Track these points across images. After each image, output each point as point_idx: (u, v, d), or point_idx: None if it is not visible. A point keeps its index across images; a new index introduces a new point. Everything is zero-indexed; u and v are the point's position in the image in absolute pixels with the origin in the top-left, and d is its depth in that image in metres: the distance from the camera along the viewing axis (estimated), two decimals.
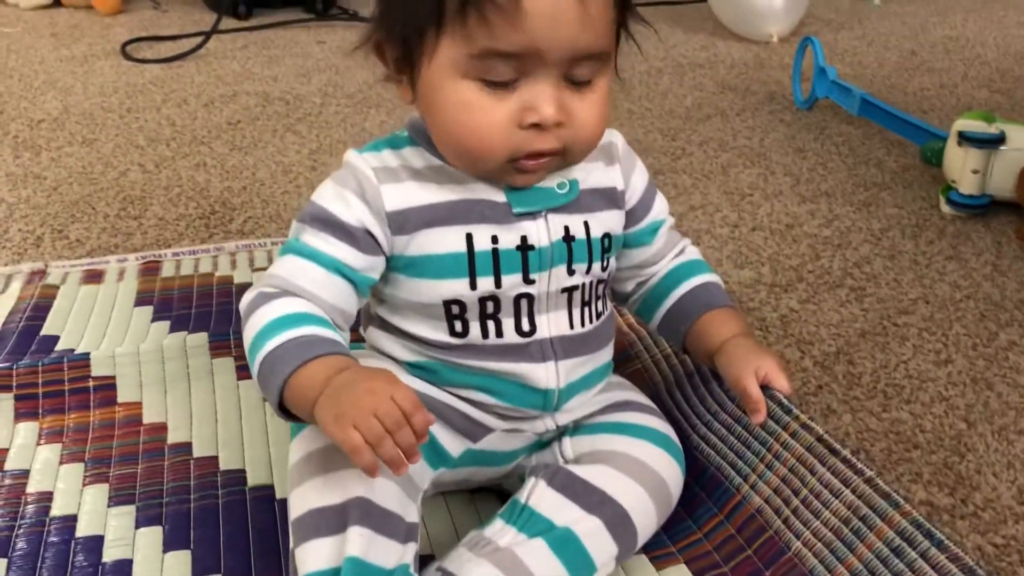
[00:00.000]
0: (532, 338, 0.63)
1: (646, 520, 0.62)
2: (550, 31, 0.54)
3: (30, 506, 0.70)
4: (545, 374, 0.64)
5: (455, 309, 0.62)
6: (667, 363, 0.78)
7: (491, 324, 0.62)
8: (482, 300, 0.62)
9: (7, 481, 0.72)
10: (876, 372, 0.89)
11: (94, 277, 1.04)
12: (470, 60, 0.55)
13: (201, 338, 0.87)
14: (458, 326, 0.63)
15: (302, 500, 0.58)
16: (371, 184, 0.61)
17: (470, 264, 0.61)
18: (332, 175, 0.63)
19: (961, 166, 1.21)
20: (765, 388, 0.65)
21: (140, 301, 0.98)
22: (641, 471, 0.63)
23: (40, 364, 0.83)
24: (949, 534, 0.68)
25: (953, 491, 0.74)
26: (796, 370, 0.89)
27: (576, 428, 0.67)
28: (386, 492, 0.58)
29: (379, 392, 0.52)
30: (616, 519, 0.61)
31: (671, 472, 0.65)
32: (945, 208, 1.23)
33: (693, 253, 0.74)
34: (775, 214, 1.23)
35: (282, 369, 0.56)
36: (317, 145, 1.47)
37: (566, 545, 0.59)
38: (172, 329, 0.92)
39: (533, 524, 0.60)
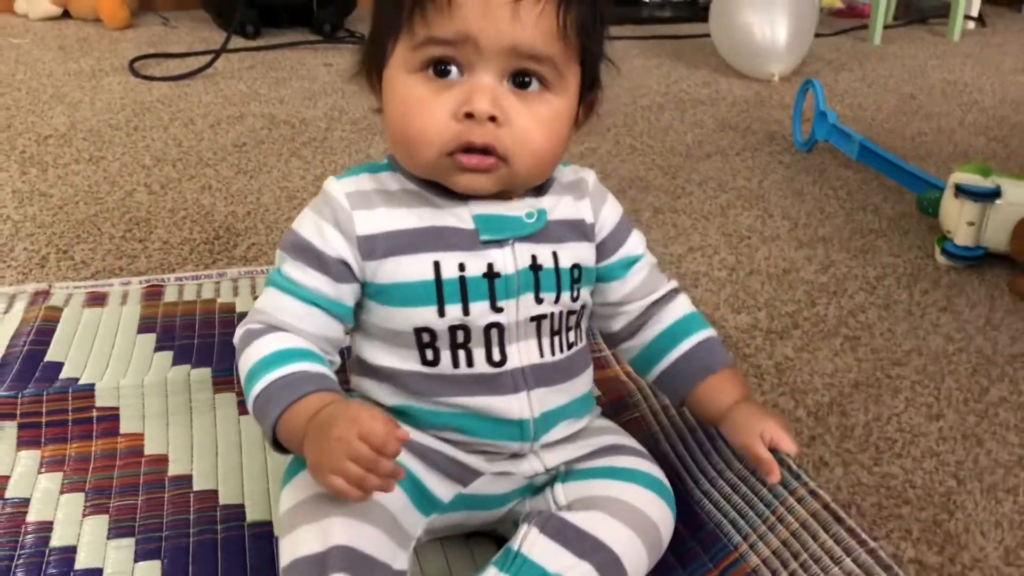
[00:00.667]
0: (503, 368, 0.65)
1: (638, 564, 0.63)
2: (481, 19, 0.59)
3: (30, 536, 0.71)
4: (518, 405, 0.65)
5: (426, 337, 0.64)
6: (665, 414, 0.79)
7: (462, 353, 0.64)
8: (452, 329, 0.64)
9: (7, 509, 0.73)
10: (868, 424, 0.90)
11: (97, 300, 1.05)
12: (414, 52, 0.61)
13: (205, 373, 0.88)
14: (429, 354, 0.64)
15: (290, 549, 0.59)
16: (344, 210, 0.64)
17: (438, 291, 0.63)
18: (311, 203, 0.66)
19: (957, 217, 1.23)
20: (774, 451, 0.66)
21: (143, 328, 0.99)
22: (632, 515, 0.64)
23: (45, 393, 0.84)
24: None
25: (942, 549, 0.75)
26: (790, 419, 0.90)
27: (567, 474, 0.68)
28: (371, 540, 0.59)
29: (347, 437, 0.55)
30: (608, 564, 0.62)
31: (662, 515, 0.66)
32: (940, 258, 1.25)
33: (684, 303, 0.74)
34: (772, 258, 1.25)
35: (272, 411, 0.60)
36: (322, 171, 1.49)
37: None
38: (175, 360, 0.92)
39: (526, 571, 0.61)
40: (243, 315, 1.02)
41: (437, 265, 0.63)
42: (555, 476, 0.69)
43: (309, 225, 0.65)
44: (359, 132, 1.68)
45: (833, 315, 1.11)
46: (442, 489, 0.66)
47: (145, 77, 1.96)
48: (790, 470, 0.66)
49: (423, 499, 0.65)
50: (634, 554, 0.63)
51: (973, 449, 0.87)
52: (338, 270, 0.64)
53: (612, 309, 0.74)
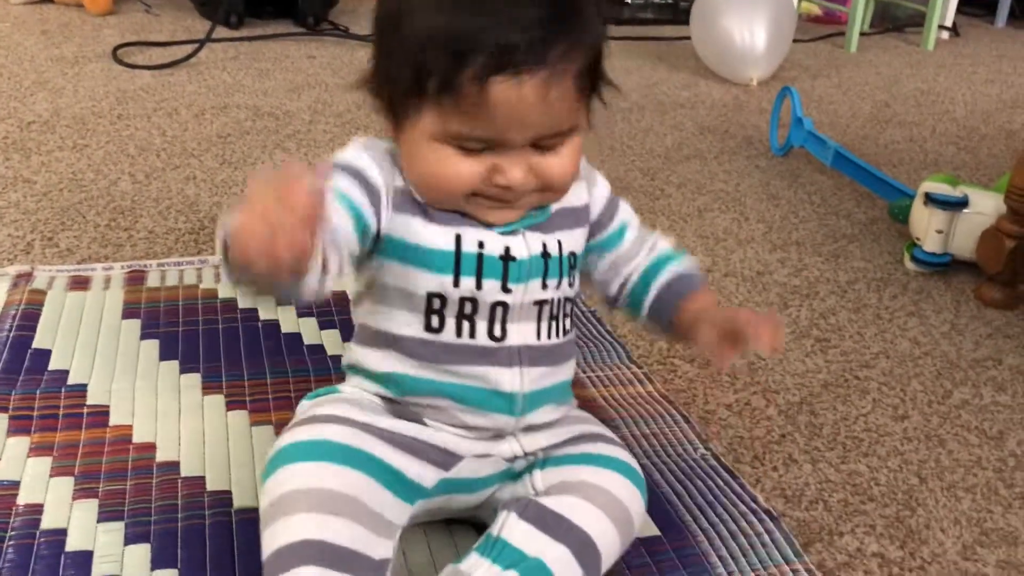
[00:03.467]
0: (502, 344, 0.68)
1: (610, 547, 0.66)
2: (515, 123, 0.60)
3: (20, 518, 0.72)
4: (510, 377, 0.68)
5: (436, 303, 0.67)
6: (647, 441, 0.86)
7: (466, 324, 0.67)
8: (462, 299, 0.67)
9: None
10: (837, 424, 0.94)
11: (80, 284, 1.06)
12: (445, 134, 0.62)
13: (194, 379, 0.91)
14: (435, 321, 0.67)
15: (266, 544, 0.61)
16: (388, 160, 0.66)
17: (456, 262, 0.66)
18: (353, 140, 0.68)
19: (926, 225, 1.26)
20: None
21: (127, 313, 1.01)
22: (606, 500, 0.67)
23: (37, 392, 0.86)
24: None
25: (903, 544, 0.78)
26: (761, 418, 0.94)
27: (545, 460, 0.71)
28: (345, 532, 0.60)
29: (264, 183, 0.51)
30: (582, 547, 0.64)
31: (633, 500, 0.69)
32: (909, 264, 1.29)
33: (664, 245, 0.78)
34: (747, 260, 1.28)
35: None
36: (306, 164, 1.50)
37: (538, 575, 0.62)
38: (162, 352, 0.94)
39: (506, 556, 0.63)
40: (226, 301, 1.04)
41: (459, 238, 0.66)
42: (533, 463, 0.71)
43: (352, 152, 0.66)
44: (343, 126, 1.70)
45: (805, 317, 1.14)
46: (425, 475, 0.68)
47: (128, 65, 1.95)
48: (792, 547, 0.73)
49: (407, 488, 0.67)
50: (607, 537, 0.66)
51: (935, 449, 0.91)
52: (372, 191, 0.65)
53: (610, 272, 0.77)
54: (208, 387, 0.89)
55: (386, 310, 0.69)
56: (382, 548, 0.62)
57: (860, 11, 2.62)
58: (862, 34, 2.73)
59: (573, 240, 0.72)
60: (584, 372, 0.96)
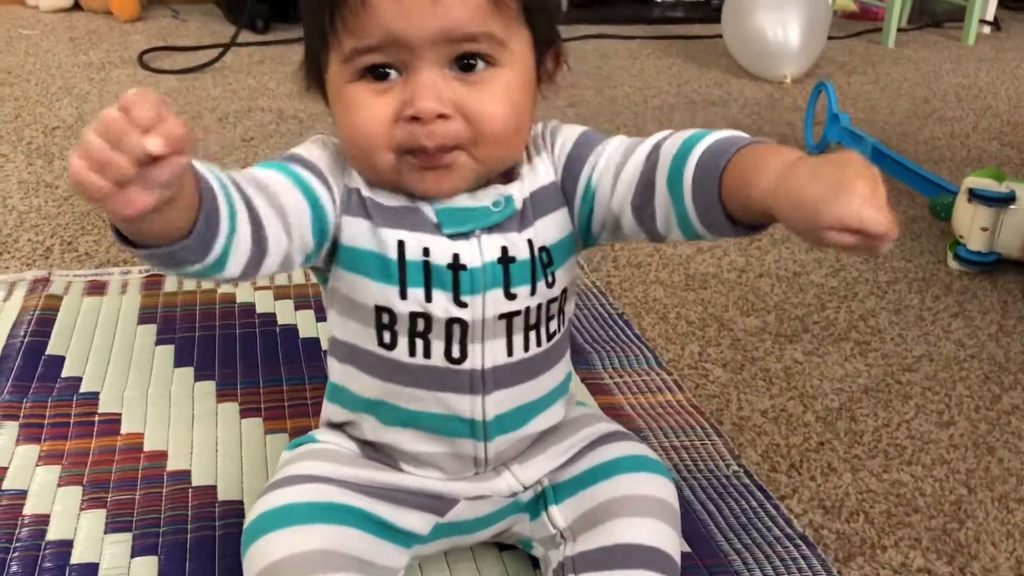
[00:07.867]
0: (461, 366, 0.61)
1: (672, 545, 0.62)
2: (400, 16, 0.55)
3: (26, 528, 0.70)
4: (470, 406, 0.61)
5: (385, 318, 0.60)
6: (676, 454, 0.82)
7: (419, 343, 0.60)
8: (413, 316, 0.59)
9: (4, 501, 0.72)
10: (878, 431, 0.89)
11: (97, 289, 1.04)
12: (346, 65, 0.57)
13: (209, 386, 0.88)
14: (386, 337, 0.60)
15: None
16: (340, 159, 0.61)
17: (400, 270, 0.59)
18: (309, 139, 0.63)
19: (970, 222, 1.21)
20: None
21: (143, 319, 0.99)
22: (649, 506, 0.63)
23: (49, 400, 0.84)
24: None
25: (952, 559, 0.73)
26: (798, 425, 0.89)
27: (556, 490, 0.66)
28: None
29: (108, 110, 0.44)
30: (654, 559, 0.61)
31: (663, 489, 0.65)
32: (952, 263, 1.23)
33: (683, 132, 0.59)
34: (783, 261, 1.24)
35: None
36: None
37: None
38: (177, 358, 0.92)
39: None
40: (244, 305, 1.02)
41: (401, 245, 0.59)
42: (541, 493, 0.66)
43: (304, 147, 0.61)
44: None
45: (843, 319, 1.09)
46: (418, 523, 0.64)
47: (154, 70, 1.95)
48: (822, 563, 0.70)
49: (399, 535, 0.63)
50: (666, 538, 0.62)
51: (984, 457, 0.86)
52: (326, 184, 0.59)
53: (625, 198, 0.59)
54: (223, 395, 0.87)
55: (342, 320, 0.63)
56: None
57: (897, 6, 2.56)
58: (899, 30, 2.66)
59: (549, 230, 0.61)
60: (611, 377, 0.92)
